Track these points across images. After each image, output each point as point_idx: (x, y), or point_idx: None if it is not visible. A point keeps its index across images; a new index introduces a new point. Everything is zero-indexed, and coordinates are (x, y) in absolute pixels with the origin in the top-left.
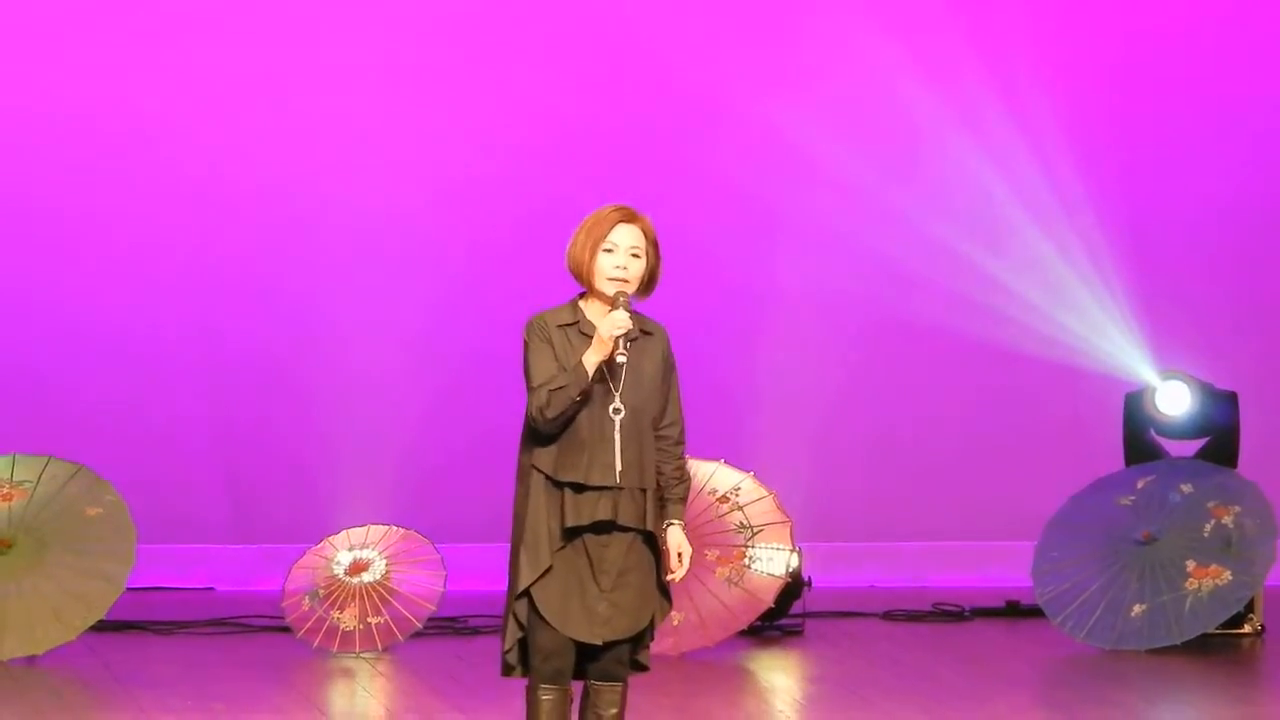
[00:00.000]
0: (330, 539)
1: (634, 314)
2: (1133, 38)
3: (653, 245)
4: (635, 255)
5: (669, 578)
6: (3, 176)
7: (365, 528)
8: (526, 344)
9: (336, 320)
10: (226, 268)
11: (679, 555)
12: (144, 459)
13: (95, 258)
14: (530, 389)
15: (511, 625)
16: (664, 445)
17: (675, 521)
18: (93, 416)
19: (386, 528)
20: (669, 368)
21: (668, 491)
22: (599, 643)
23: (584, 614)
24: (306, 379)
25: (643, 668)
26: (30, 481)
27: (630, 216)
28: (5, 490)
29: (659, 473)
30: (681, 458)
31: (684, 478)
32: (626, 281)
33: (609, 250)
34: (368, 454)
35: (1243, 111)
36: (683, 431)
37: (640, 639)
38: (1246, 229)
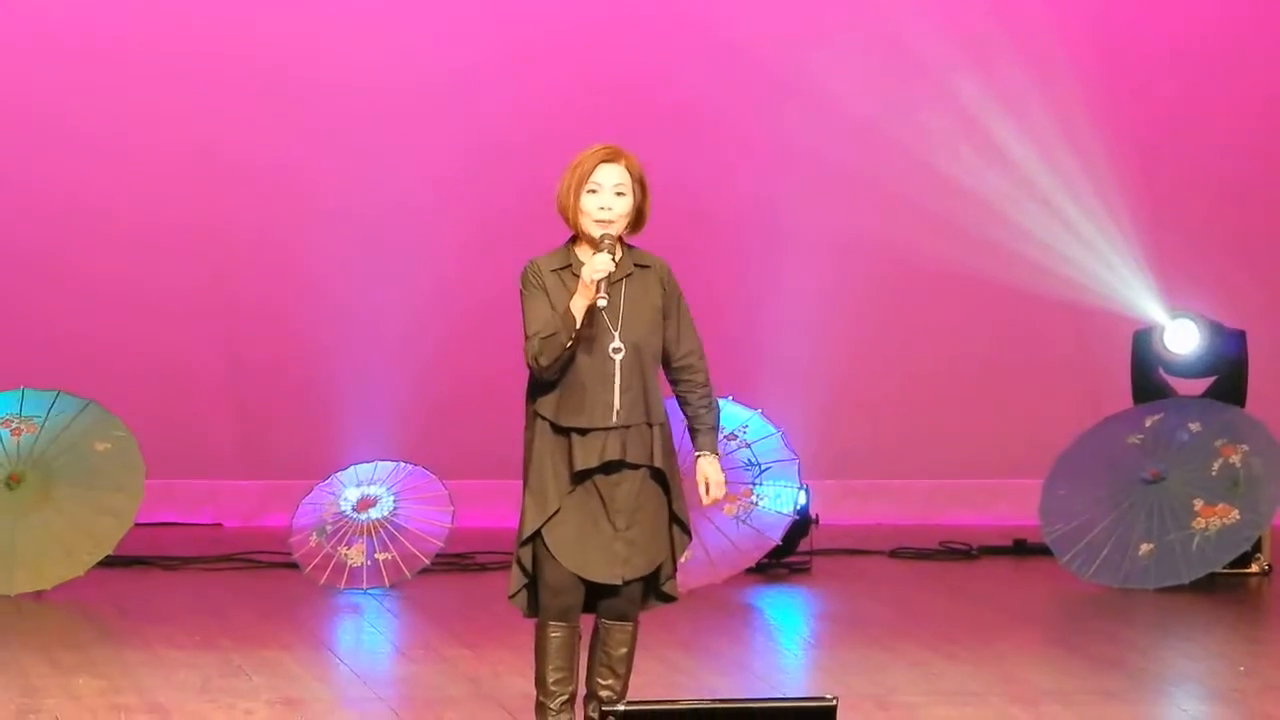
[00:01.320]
0: (338, 475)
1: (629, 249)
2: None
3: (638, 183)
4: (620, 193)
5: (707, 501)
6: (19, 123)
7: (373, 464)
8: (522, 292)
9: (346, 259)
10: (239, 207)
11: (706, 484)
12: (153, 394)
13: (107, 197)
14: (525, 337)
15: (516, 572)
16: (685, 375)
17: (705, 452)
18: (102, 351)
19: (394, 464)
20: (672, 298)
21: (696, 423)
22: (619, 582)
23: (602, 555)
24: (315, 314)
25: (670, 598)
26: (39, 416)
27: (613, 155)
28: (14, 425)
29: (685, 403)
30: (705, 385)
31: (710, 405)
32: (611, 222)
33: (593, 191)
34: (376, 390)
35: (1255, 50)
36: (702, 358)
37: (659, 573)
38: (1257, 167)
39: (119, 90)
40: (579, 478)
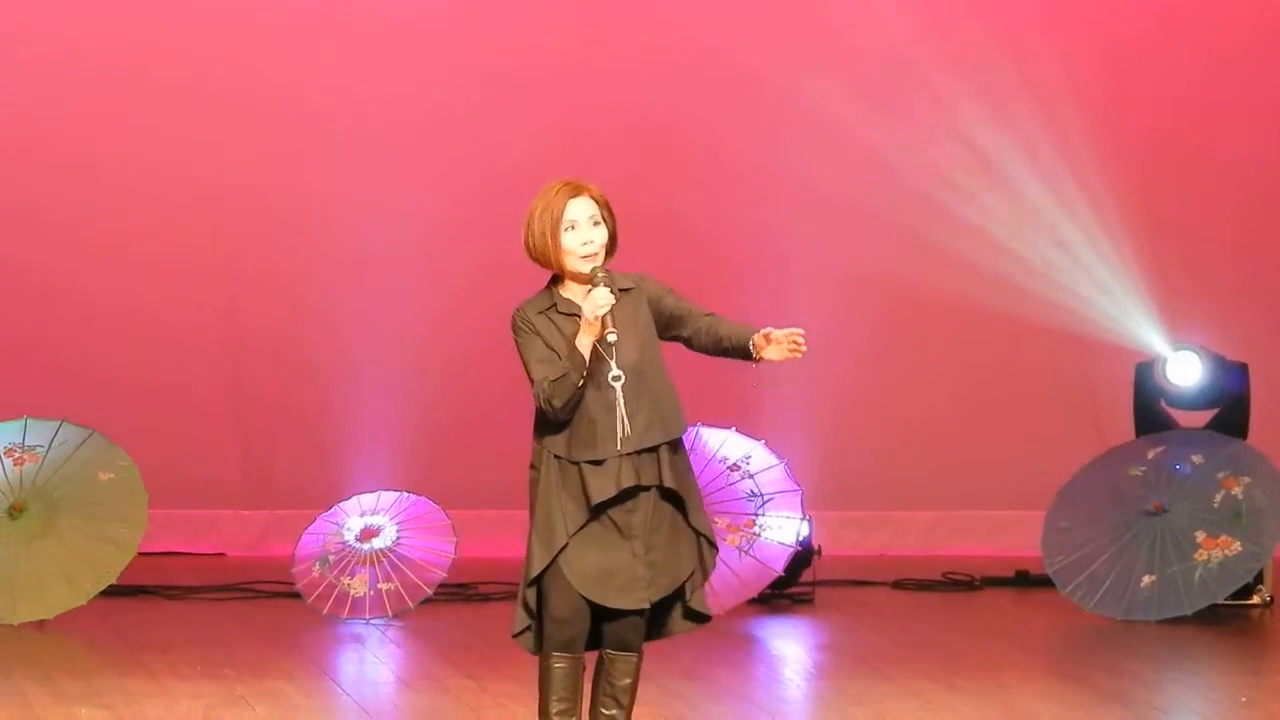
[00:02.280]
0: (341, 505)
1: (607, 274)
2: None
3: (606, 208)
4: (596, 223)
5: (800, 349)
6: (24, 150)
7: (376, 494)
8: (517, 342)
9: (349, 289)
10: (242, 234)
11: (769, 338)
12: (156, 423)
13: (110, 225)
14: (532, 383)
15: (520, 613)
16: (708, 327)
17: (755, 333)
18: (105, 381)
19: (397, 494)
20: (664, 299)
21: (736, 332)
22: (645, 606)
23: (625, 583)
24: (319, 344)
25: (703, 616)
26: (42, 446)
27: (577, 188)
28: (17, 455)
29: (719, 338)
30: (722, 319)
31: (731, 321)
32: (597, 254)
33: (570, 228)
34: (379, 420)
35: (1261, 79)
36: (705, 310)
37: (684, 590)
38: (1260, 200)
39: (127, 118)
40: (595, 510)
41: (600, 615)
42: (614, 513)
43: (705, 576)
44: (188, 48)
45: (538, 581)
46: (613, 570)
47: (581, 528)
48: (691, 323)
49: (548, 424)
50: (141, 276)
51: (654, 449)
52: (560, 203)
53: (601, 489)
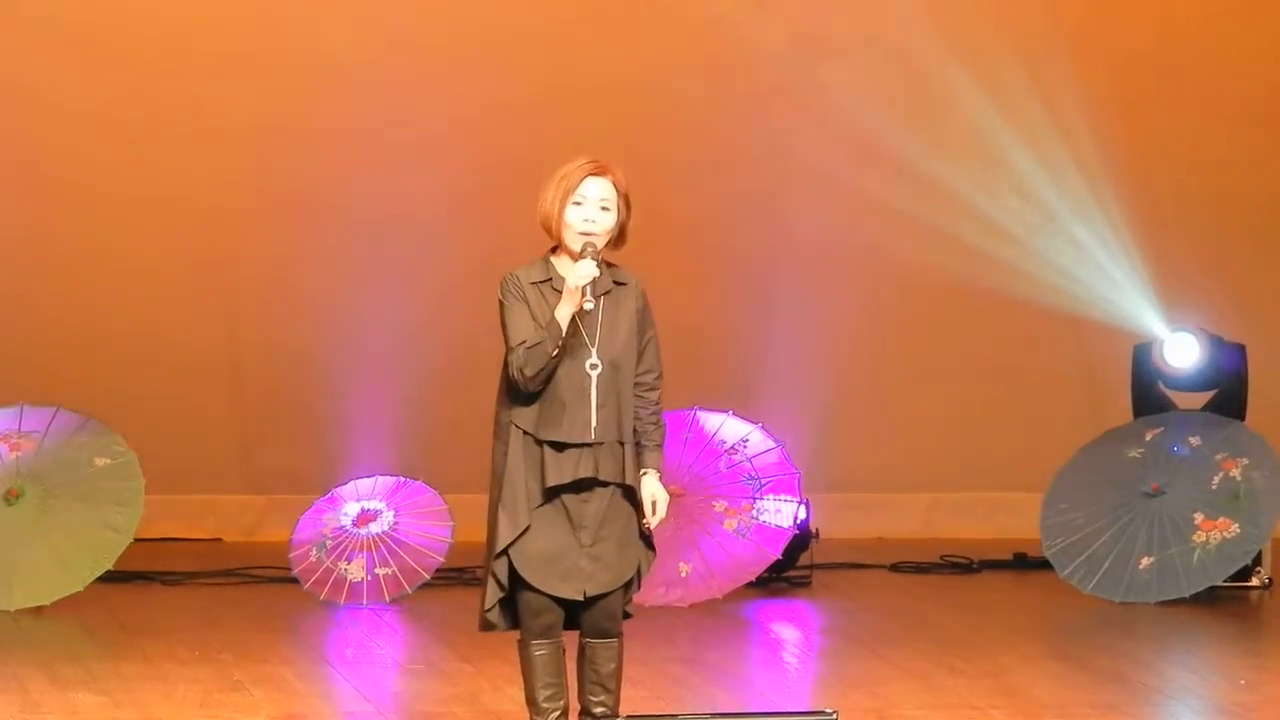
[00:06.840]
0: (338, 490)
1: (608, 266)
2: None
3: (623, 199)
4: (605, 208)
5: (645, 523)
6: (27, 123)
7: (373, 479)
8: (502, 304)
9: (346, 274)
10: (241, 221)
11: (653, 504)
12: (152, 409)
13: (108, 209)
14: (509, 348)
15: (492, 586)
16: (639, 391)
17: (650, 470)
18: (102, 367)
19: (394, 479)
20: (644, 319)
21: (643, 439)
22: (580, 598)
23: (566, 571)
24: (316, 330)
25: (625, 615)
26: (38, 431)
27: (600, 169)
28: (13, 441)
29: (636, 418)
30: (657, 404)
31: (659, 424)
32: (595, 235)
33: (578, 203)
34: (376, 405)
35: (1254, 62)
36: (659, 378)
37: (626, 589)
38: (1257, 182)
39: (132, 108)
40: (549, 494)
41: (575, 601)
42: (569, 499)
43: (638, 584)
44: (181, 48)
45: (506, 556)
46: (555, 556)
47: (537, 509)
48: (639, 368)
49: (517, 398)
50: (138, 262)
51: (619, 446)
52: (578, 176)
53: (559, 474)
